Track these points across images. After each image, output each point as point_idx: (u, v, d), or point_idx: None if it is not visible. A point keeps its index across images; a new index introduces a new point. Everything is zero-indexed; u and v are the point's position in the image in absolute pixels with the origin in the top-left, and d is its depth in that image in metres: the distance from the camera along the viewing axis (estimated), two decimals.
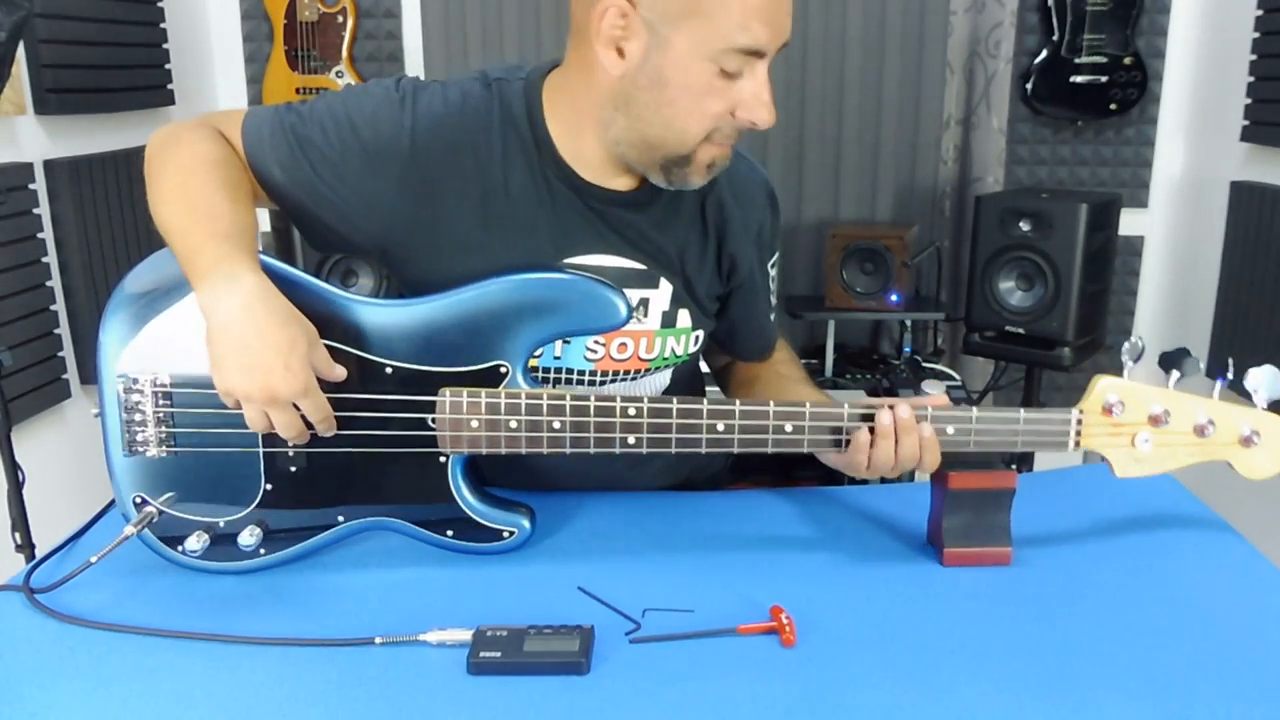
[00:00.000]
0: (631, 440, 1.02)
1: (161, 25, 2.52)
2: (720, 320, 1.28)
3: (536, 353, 1.07)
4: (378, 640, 0.91)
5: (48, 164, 2.15)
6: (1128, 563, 1.07)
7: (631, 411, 1.01)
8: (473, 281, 1.03)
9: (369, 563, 1.06)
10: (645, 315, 1.18)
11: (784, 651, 0.90)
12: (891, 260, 2.57)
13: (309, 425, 0.98)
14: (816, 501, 1.23)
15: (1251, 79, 2.44)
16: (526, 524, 1.07)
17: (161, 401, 1.00)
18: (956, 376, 2.68)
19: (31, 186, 2.09)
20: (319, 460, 1.03)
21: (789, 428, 1.03)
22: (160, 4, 2.51)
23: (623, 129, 1.06)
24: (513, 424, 1.01)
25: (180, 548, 1.02)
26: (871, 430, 1.02)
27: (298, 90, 2.72)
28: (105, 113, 2.33)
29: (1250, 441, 1.04)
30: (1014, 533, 1.07)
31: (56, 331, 2.18)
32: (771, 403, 1.02)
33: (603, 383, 1.19)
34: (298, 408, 0.96)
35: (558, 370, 1.17)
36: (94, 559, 0.98)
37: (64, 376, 2.20)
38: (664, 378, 1.25)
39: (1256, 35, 2.42)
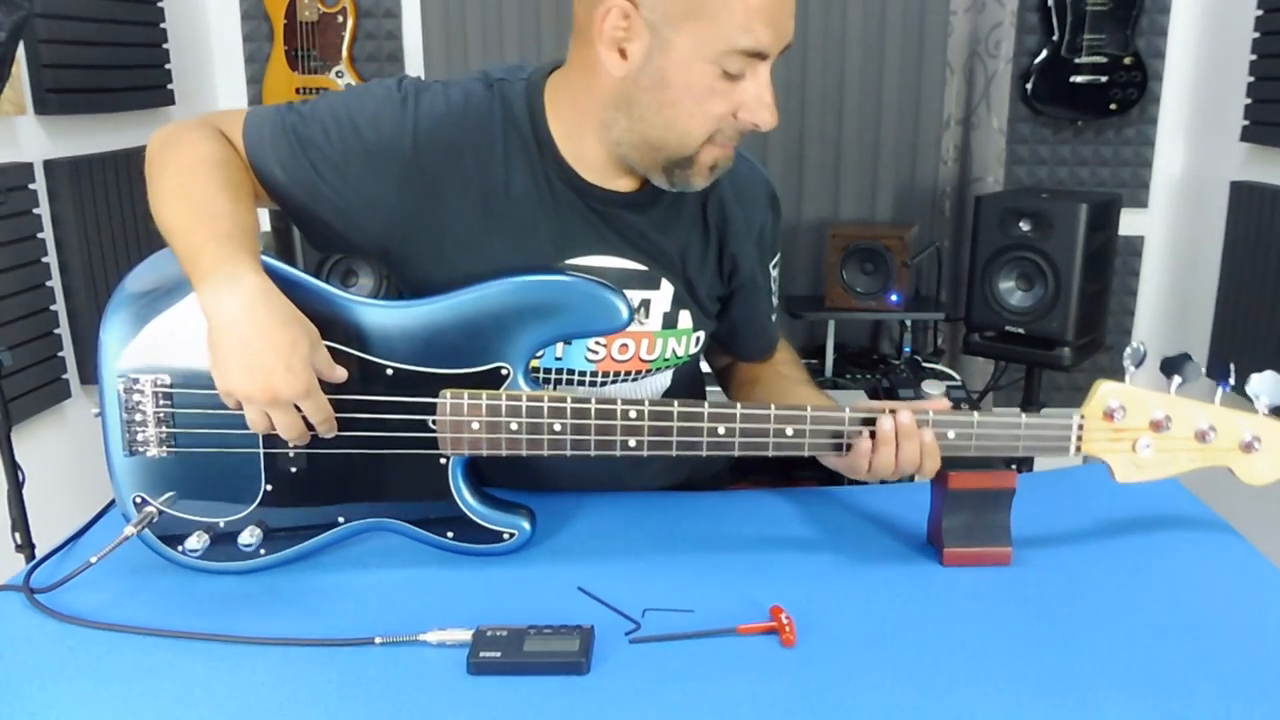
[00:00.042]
0: (632, 443, 1.02)
1: (161, 25, 2.52)
2: (721, 321, 1.28)
3: (538, 353, 1.07)
4: (378, 640, 0.91)
5: (48, 164, 2.15)
6: (1128, 563, 1.07)
7: (632, 414, 1.01)
8: (474, 282, 1.03)
9: (369, 563, 1.06)
10: (646, 316, 1.18)
11: (784, 651, 0.90)
12: (891, 260, 2.57)
13: (310, 426, 0.98)
14: (816, 501, 1.23)
15: (1251, 79, 2.44)
16: (526, 526, 1.07)
17: (162, 401, 1.00)
18: (956, 376, 2.68)
19: (31, 186, 2.09)
20: (319, 461, 1.03)
21: (790, 431, 1.03)
22: (160, 4, 2.51)
23: (625, 130, 1.06)
24: (513, 426, 1.01)
25: (180, 548, 1.02)
26: (873, 435, 1.02)
27: (298, 90, 2.72)
28: (105, 113, 2.33)
29: (1251, 447, 1.04)
30: (1014, 533, 1.07)
31: (56, 331, 2.18)
32: (773, 406, 1.02)
33: (604, 383, 1.19)
34: (299, 409, 0.96)
35: (559, 371, 1.17)
36: (94, 559, 0.98)
37: (64, 376, 2.20)
38: (665, 378, 1.25)
39: (1256, 35, 2.42)
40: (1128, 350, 1.03)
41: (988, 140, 2.77)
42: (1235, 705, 0.82)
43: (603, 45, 1.02)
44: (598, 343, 1.16)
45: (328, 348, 0.99)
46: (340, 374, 0.99)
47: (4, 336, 1.93)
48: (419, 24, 2.78)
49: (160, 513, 1.02)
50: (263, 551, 1.03)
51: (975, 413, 1.04)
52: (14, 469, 1.67)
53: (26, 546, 1.71)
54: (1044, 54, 2.70)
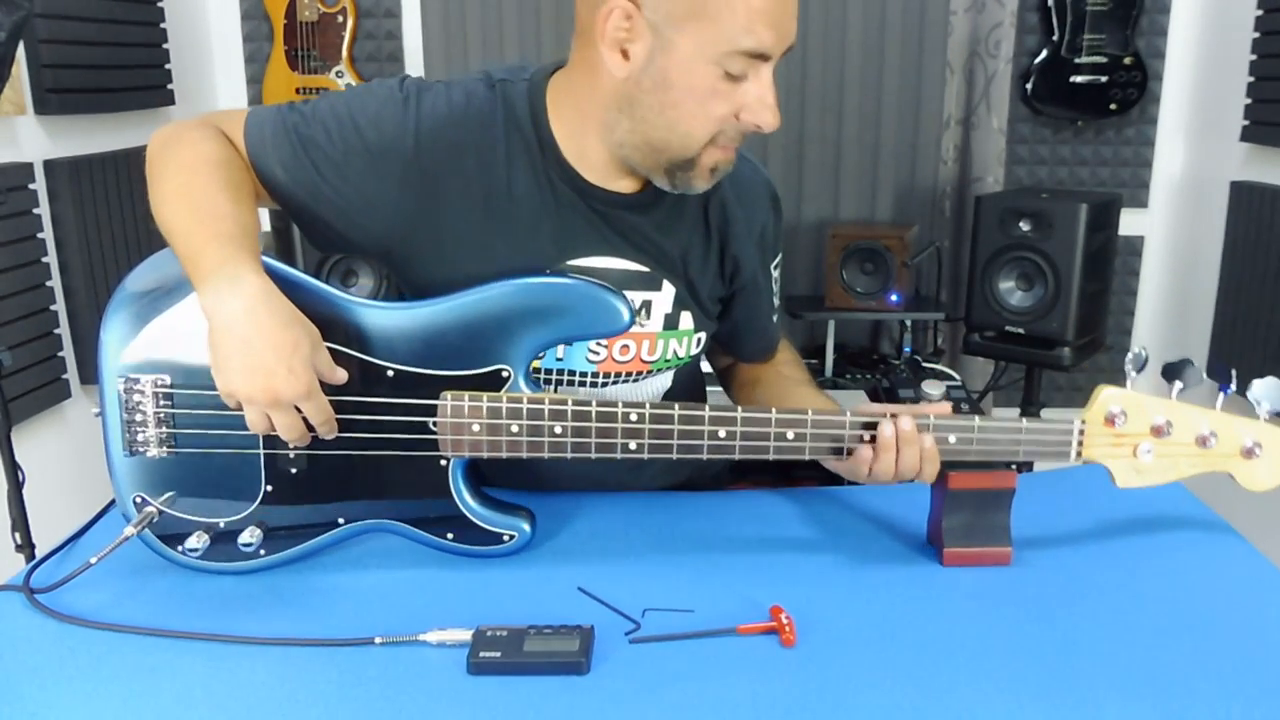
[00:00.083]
0: (633, 446, 1.02)
1: (161, 25, 2.52)
2: (723, 322, 1.28)
3: (539, 355, 1.07)
4: (378, 640, 0.91)
5: (48, 164, 2.15)
6: (1128, 563, 1.07)
7: (633, 417, 1.01)
8: (475, 282, 1.03)
9: (369, 563, 1.06)
10: (648, 317, 1.18)
11: (784, 651, 0.90)
12: (891, 260, 2.57)
13: (310, 427, 0.98)
14: (816, 501, 1.23)
15: (1251, 79, 2.44)
16: (526, 527, 1.07)
17: (162, 401, 1.00)
18: (956, 376, 2.68)
19: (31, 186, 2.09)
20: (320, 462, 1.03)
21: (791, 435, 1.03)
22: (160, 4, 2.51)
23: (627, 131, 1.06)
24: (514, 428, 1.01)
25: (180, 547, 1.02)
26: (873, 439, 1.02)
27: (298, 90, 2.72)
28: (105, 113, 2.33)
29: (1252, 453, 1.04)
30: (1014, 533, 1.07)
31: (56, 331, 2.18)
32: (774, 410, 1.02)
33: (605, 384, 1.19)
34: (299, 410, 0.96)
35: (560, 372, 1.17)
36: (94, 560, 0.98)
37: (64, 376, 2.20)
38: (665, 379, 1.25)
39: (1256, 35, 2.42)
40: (1129, 355, 1.03)
41: (988, 140, 2.77)
42: (1235, 705, 0.82)
43: (605, 46, 1.01)
44: (599, 344, 1.16)
45: (329, 349, 0.99)
46: (341, 375, 0.99)
47: (4, 336, 1.93)
48: (419, 24, 2.78)
49: (160, 513, 1.02)
50: (263, 552, 1.03)
51: (976, 417, 1.04)
52: (14, 469, 1.67)
53: (26, 546, 1.71)
54: (1044, 54, 2.70)
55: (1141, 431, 1.04)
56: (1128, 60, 2.67)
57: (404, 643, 0.91)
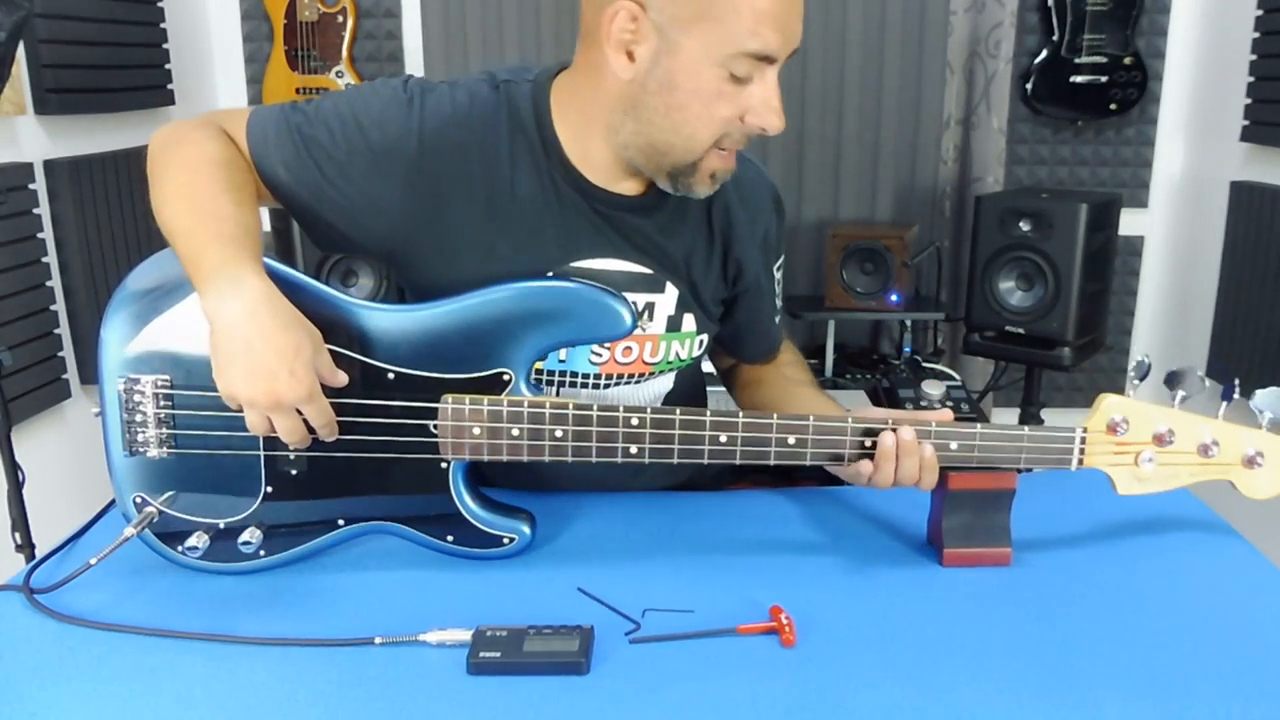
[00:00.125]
0: (634, 450, 1.02)
1: (161, 25, 2.52)
2: (725, 324, 1.28)
3: (543, 355, 1.07)
4: (378, 640, 0.91)
5: (48, 164, 2.15)
6: (1128, 563, 1.07)
7: (634, 421, 1.01)
8: (478, 284, 1.03)
9: (369, 563, 1.06)
10: (650, 319, 1.18)
11: (784, 651, 0.90)
12: (891, 260, 2.57)
13: (311, 430, 0.97)
14: (816, 502, 1.23)
15: (1251, 79, 2.44)
16: (527, 530, 1.07)
17: (162, 402, 1.00)
18: (956, 376, 2.68)
19: (31, 186, 2.09)
20: (320, 463, 1.02)
21: (792, 440, 1.03)
22: (160, 4, 2.51)
23: (631, 133, 1.05)
24: (514, 432, 1.01)
25: (180, 548, 1.02)
26: (874, 446, 1.03)
27: (298, 90, 2.72)
28: (105, 113, 2.33)
29: (1254, 462, 1.04)
30: (1014, 533, 1.07)
31: (56, 331, 2.18)
32: (775, 415, 1.02)
33: (607, 386, 1.19)
34: (300, 412, 0.96)
35: (562, 373, 1.17)
36: (94, 560, 0.98)
37: (64, 376, 2.20)
38: (667, 381, 1.25)
39: (1256, 35, 2.42)
40: (1133, 364, 1.03)
41: (988, 140, 2.77)
42: (1235, 705, 0.82)
43: (610, 48, 1.01)
44: (602, 346, 1.16)
45: (330, 351, 0.99)
46: (342, 378, 0.99)
47: (4, 336, 1.93)
48: (419, 24, 2.78)
49: (160, 513, 1.02)
50: (263, 552, 1.03)
51: (978, 425, 1.04)
52: (14, 469, 1.67)
53: (26, 546, 1.71)
54: (1044, 54, 2.70)
55: (1143, 440, 1.04)
56: (1128, 60, 2.67)
57: (404, 643, 0.91)
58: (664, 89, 1.01)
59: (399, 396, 1.02)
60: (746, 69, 0.99)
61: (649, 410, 1.01)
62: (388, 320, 1.02)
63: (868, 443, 1.03)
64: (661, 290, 1.17)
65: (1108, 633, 0.93)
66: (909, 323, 2.75)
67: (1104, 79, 2.69)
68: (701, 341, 1.23)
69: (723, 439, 1.02)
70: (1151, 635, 0.93)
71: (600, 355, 1.17)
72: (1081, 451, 1.05)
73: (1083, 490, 1.21)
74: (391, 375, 1.02)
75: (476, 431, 1.01)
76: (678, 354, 1.21)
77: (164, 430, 1.01)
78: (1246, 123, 2.45)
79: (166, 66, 2.54)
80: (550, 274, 1.10)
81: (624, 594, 0.99)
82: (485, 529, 1.06)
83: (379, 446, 1.02)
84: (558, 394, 1.18)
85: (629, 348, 1.17)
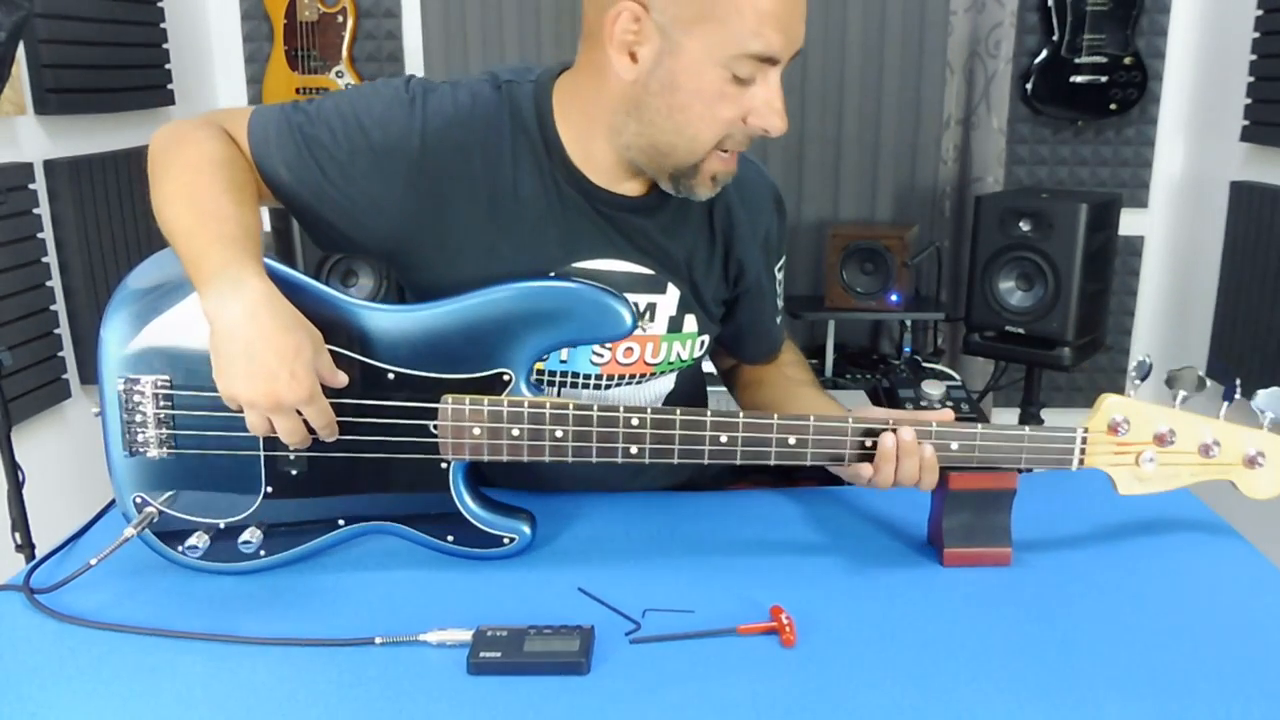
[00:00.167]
0: (634, 450, 1.02)
1: (161, 25, 2.52)
2: (726, 324, 1.28)
3: (542, 358, 1.06)
4: (378, 640, 0.91)
5: (48, 164, 2.15)
6: (1128, 563, 1.07)
7: (634, 422, 1.01)
8: (479, 284, 1.03)
9: (369, 563, 1.06)
10: (652, 320, 1.18)
11: (784, 651, 0.90)
12: (891, 260, 2.57)
13: (311, 430, 0.97)
14: (817, 502, 1.23)
15: (1251, 79, 2.44)
16: (527, 530, 1.07)
17: (162, 402, 1.00)
18: (956, 376, 2.68)
19: (31, 186, 2.09)
20: (320, 464, 1.02)
21: (793, 440, 1.03)
22: (160, 4, 2.51)
23: (634, 134, 1.05)
24: (515, 432, 1.01)
25: (180, 548, 1.02)
26: (874, 447, 1.03)
27: (298, 90, 2.72)
28: (105, 113, 2.33)
29: (1255, 462, 1.04)
30: (1014, 533, 1.07)
31: (56, 331, 2.18)
32: (775, 416, 1.02)
33: (608, 386, 1.19)
34: (300, 414, 0.96)
35: (564, 374, 1.17)
36: (94, 561, 0.98)
37: (64, 376, 2.20)
38: (668, 381, 1.25)
39: (1256, 35, 2.42)
40: (1134, 364, 1.03)
41: (988, 140, 2.77)
42: (1235, 705, 0.82)
43: (613, 48, 1.01)
44: (603, 346, 1.16)
45: (330, 352, 0.98)
46: (342, 379, 0.99)
47: (4, 336, 1.93)
48: (419, 24, 2.78)
49: (160, 513, 1.02)
50: (263, 552, 1.03)
51: (979, 425, 1.04)
52: (14, 469, 1.67)
53: (26, 546, 1.71)
54: (1044, 54, 2.70)
55: (1144, 440, 1.04)
56: (1128, 60, 2.67)
57: (404, 643, 0.91)
58: (666, 90, 1.01)
59: (399, 397, 1.02)
60: (749, 70, 0.99)
61: (649, 410, 1.01)
62: (388, 320, 1.02)
63: (868, 443, 1.04)
64: (663, 291, 1.17)
65: (1108, 633, 0.93)
66: (909, 323, 2.75)
67: (1104, 79, 2.69)
68: (703, 342, 1.23)
69: (723, 439, 1.02)
70: (1151, 635, 0.93)
71: (602, 356, 1.17)
72: (1082, 452, 1.05)
73: (1083, 490, 1.21)
74: (391, 375, 1.02)
75: (476, 432, 1.01)
76: (679, 355, 1.21)
77: (164, 430, 1.01)
78: (1246, 123, 2.45)
79: (166, 66, 2.54)
80: (552, 274, 1.10)
81: (624, 594, 0.99)
82: (485, 529, 1.06)
83: (379, 447, 1.02)
84: (559, 394, 1.18)
85: (630, 348, 1.17)
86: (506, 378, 1.02)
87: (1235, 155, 2.55)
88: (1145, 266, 2.93)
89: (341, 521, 1.05)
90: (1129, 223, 2.71)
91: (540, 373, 1.16)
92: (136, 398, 1.00)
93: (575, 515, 1.18)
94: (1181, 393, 1.03)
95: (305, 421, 0.96)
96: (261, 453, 1.02)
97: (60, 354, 2.19)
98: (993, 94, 2.74)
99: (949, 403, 2.30)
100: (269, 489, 1.03)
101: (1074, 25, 2.66)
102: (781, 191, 1.28)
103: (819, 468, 1.10)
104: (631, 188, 1.13)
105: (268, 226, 2.38)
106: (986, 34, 2.72)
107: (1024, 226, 2.33)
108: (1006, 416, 2.88)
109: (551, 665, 0.86)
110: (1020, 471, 1.06)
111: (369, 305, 1.02)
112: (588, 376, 1.18)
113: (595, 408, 1.01)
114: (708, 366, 1.39)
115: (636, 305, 1.15)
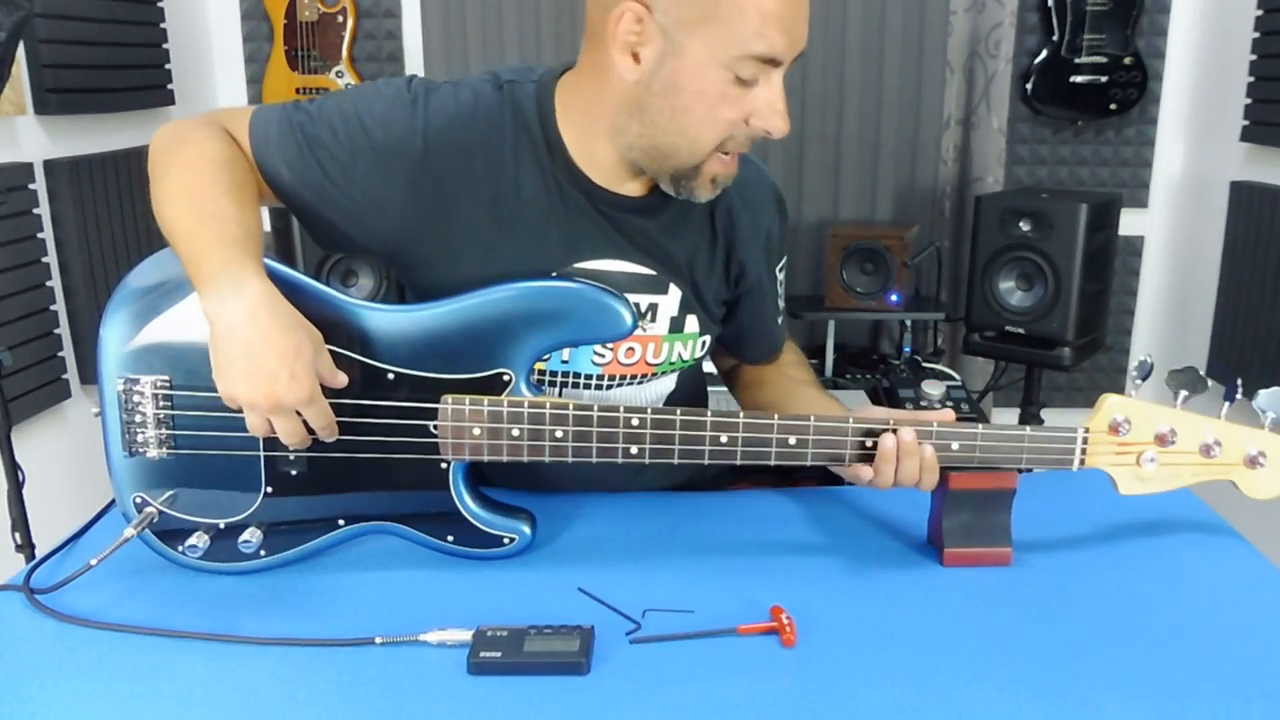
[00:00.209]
0: (634, 450, 1.02)
1: (161, 25, 2.52)
2: (727, 325, 1.28)
3: (542, 358, 1.06)
4: (378, 640, 0.91)
5: (48, 164, 2.15)
6: (1128, 563, 1.07)
7: (635, 422, 1.01)
8: (480, 284, 1.03)
9: (369, 563, 1.06)
10: (653, 320, 1.17)
11: (784, 651, 0.90)
12: (891, 260, 2.57)
13: (311, 431, 0.97)
14: (817, 502, 1.23)
15: (1251, 79, 2.44)
16: (527, 530, 1.07)
17: (162, 402, 1.00)
18: (956, 376, 2.68)
19: (31, 186, 2.09)
20: (320, 464, 1.02)
21: (793, 440, 1.03)
22: (160, 4, 2.51)
23: (636, 135, 1.05)
24: (515, 432, 1.01)
25: (180, 547, 1.02)
26: (874, 447, 1.03)
27: (298, 90, 2.72)
28: (105, 113, 2.33)
29: (1256, 463, 1.04)
30: (1014, 533, 1.07)
31: (56, 331, 2.18)
32: (776, 416, 1.02)
33: (609, 387, 1.19)
34: (300, 414, 0.96)
35: (565, 374, 1.17)
36: (94, 561, 0.98)
37: (64, 376, 2.20)
38: (669, 381, 1.25)
39: (1256, 35, 2.42)
40: (1135, 364, 1.03)
41: (988, 140, 2.77)
42: (1235, 705, 0.82)
43: (616, 49, 1.01)
44: (605, 346, 1.16)
45: (330, 352, 0.98)
46: (342, 380, 0.99)
47: (4, 336, 1.93)
48: (419, 24, 2.78)
49: (160, 513, 1.02)
50: (263, 552, 1.03)
51: (979, 425, 1.04)
52: (14, 469, 1.67)
53: (26, 546, 1.71)
54: (1044, 54, 2.70)
55: (1146, 440, 1.04)
56: (1128, 60, 2.67)
57: (404, 643, 0.91)
58: (669, 91, 1.01)
59: (399, 397, 1.02)
60: (752, 71, 0.99)
61: (649, 411, 1.01)
62: (388, 320, 1.02)
63: (868, 443, 1.03)
64: (664, 291, 1.17)
65: (1108, 633, 0.93)
66: (909, 323, 2.75)
67: (1104, 79, 2.69)
68: (704, 342, 1.23)
69: (723, 439, 1.02)
70: (1151, 635, 0.93)
71: (603, 356, 1.17)
72: (1083, 452, 1.05)
73: (1084, 490, 1.21)
74: (391, 375, 1.02)
75: (476, 432, 1.01)
76: (680, 355, 1.21)
77: (163, 430, 1.01)
78: (1246, 123, 2.45)
79: (166, 66, 2.54)
80: (553, 274, 1.10)
81: (624, 594, 0.99)
82: (485, 529, 1.06)
83: (379, 447, 1.02)
84: (561, 394, 1.18)
85: (632, 349, 1.17)
86: (506, 378, 1.02)
87: (1235, 155, 2.55)
88: (1145, 266, 2.93)
89: (341, 521, 1.05)
90: (1129, 223, 2.71)
91: (541, 373, 1.16)
92: (136, 398, 1.00)
93: (575, 515, 1.18)
94: (1182, 393, 1.03)
95: (305, 422, 0.96)
96: (261, 453, 1.02)
97: (60, 354, 2.19)
98: (993, 94, 2.74)
99: (949, 403, 2.30)
100: (269, 489, 1.03)
101: (1074, 25, 2.66)
102: (781, 191, 1.28)
103: (819, 468, 1.10)
104: (633, 188, 1.13)
105: (268, 226, 2.38)
106: (986, 34, 2.72)
107: (1024, 226, 2.33)
108: (1006, 416, 2.88)
109: (551, 665, 0.86)
110: (1021, 471, 1.06)
111: (369, 305, 1.02)
112: (589, 377, 1.18)
113: (595, 408, 1.01)
114: (708, 367, 1.39)
115: (638, 306, 1.15)
